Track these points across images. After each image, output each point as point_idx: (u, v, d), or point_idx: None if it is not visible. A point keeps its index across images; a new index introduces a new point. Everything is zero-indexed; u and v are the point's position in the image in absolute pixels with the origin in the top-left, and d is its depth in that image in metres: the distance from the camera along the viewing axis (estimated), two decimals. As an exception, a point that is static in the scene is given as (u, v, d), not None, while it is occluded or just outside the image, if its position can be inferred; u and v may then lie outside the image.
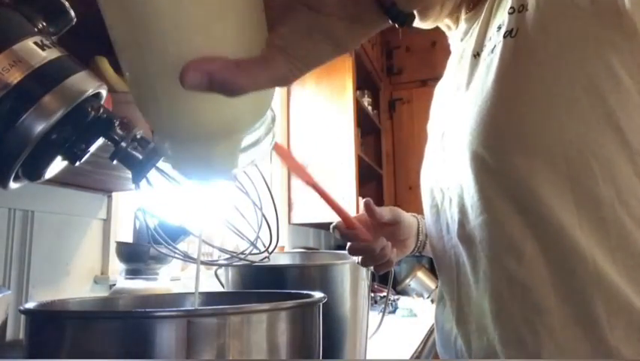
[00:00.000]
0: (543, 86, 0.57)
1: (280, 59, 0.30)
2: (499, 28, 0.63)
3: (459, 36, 0.74)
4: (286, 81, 0.32)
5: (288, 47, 0.31)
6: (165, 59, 0.30)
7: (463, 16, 0.74)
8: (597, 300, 0.54)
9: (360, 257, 0.78)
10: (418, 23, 0.75)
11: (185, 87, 0.29)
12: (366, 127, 3.13)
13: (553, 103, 0.57)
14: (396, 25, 0.31)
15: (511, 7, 0.61)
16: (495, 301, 0.60)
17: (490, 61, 0.62)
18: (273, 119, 0.39)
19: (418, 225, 0.86)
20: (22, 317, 0.49)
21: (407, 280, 2.72)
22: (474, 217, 0.62)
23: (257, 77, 0.30)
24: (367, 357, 1.00)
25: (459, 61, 0.72)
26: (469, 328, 0.65)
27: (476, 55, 0.66)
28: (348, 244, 0.77)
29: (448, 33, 0.79)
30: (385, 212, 0.81)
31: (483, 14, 0.68)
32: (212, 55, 0.29)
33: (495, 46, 0.62)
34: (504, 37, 0.61)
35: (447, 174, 0.69)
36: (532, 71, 0.58)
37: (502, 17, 0.63)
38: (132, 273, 0.97)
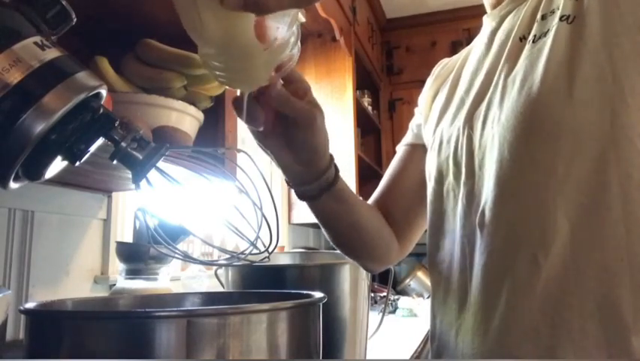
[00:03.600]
0: (596, 74, 0.56)
1: None
2: (553, 12, 0.61)
3: (499, 14, 0.72)
4: (309, 1, 0.42)
5: None
6: None
7: None
8: (626, 299, 0.53)
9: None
10: None
11: (224, 7, 0.39)
12: (366, 127, 3.13)
13: (606, 91, 0.56)
14: None
15: None
16: (512, 291, 0.59)
17: (543, 44, 0.60)
18: (299, 37, 0.51)
19: (332, 158, 0.68)
20: (22, 316, 0.49)
21: (407, 280, 2.72)
22: (501, 204, 0.61)
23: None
24: (367, 357, 1.00)
25: (498, 42, 0.69)
26: (476, 319, 0.63)
27: (522, 38, 0.64)
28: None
29: (487, 9, 0.77)
30: (306, 88, 0.60)
31: None
32: None
33: (549, 30, 0.61)
34: (560, 20, 0.60)
35: (473, 156, 0.66)
36: (585, 58, 0.57)
37: (557, 2, 0.62)
38: (132, 273, 0.97)
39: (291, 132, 0.61)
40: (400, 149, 0.89)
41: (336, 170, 0.68)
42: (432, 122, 0.78)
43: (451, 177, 0.70)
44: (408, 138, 0.88)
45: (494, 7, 0.74)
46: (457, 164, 0.69)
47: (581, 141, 0.56)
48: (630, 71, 0.55)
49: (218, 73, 0.51)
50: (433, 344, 0.73)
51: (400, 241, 0.84)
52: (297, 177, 0.67)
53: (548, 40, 0.60)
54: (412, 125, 0.88)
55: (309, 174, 0.66)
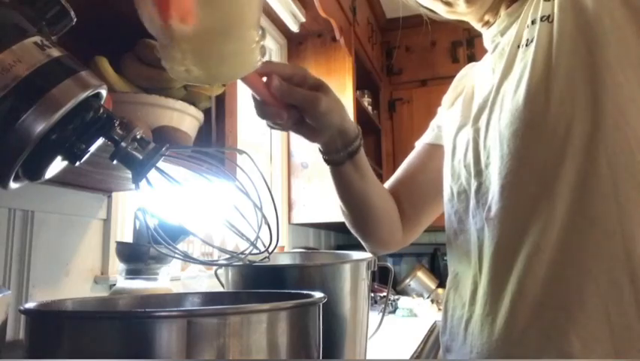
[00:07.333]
0: (577, 62, 0.60)
1: None
2: (540, 17, 0.65)
3: (498, 30, 0.75)
4: None
5: None
6: None
7: (503, 11, 0.75)
8: (623, 274, 0.54)
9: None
10: (463, 9, 0.75)
11: None
12: (366, 127, 3.13)
13: (587, 79, 0.59)
14: None
15: None
16: (518, 279, 0.61)
17: (532, 46, 0.64)
18: (264, 35, 0.55)
19: (359, 129, 0.74)
20: (22, 316, 0.49)
21: (407, 280, 2.72)
22: (505, 198, 0.63)
23: None
24: (367, 357, 1.00)
25: (500, 54, 0.72)
26: (484, 309, 0.65)
27: (519, 46, 0.68)
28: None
29: (483, 29, 0.80)
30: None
31: (526, 7, 0.69)
32: None
33: (536, 33, 0.64)
34: (541, 20, 0.64)
35: (479, 157, 0.70)
36: (564, 50, 0.61)
37: (541, 5, 0.65)
38: (132, 273, 0.97)
39: (306, 118, 0.66)
40: (419, 145, 0.92)
41: (361, 140, 0.74)
42: (449, 130, 0.81)
43: (462, 180, 0.73)
44: (428, 137, 0.90)
45: (485, 23, 0.78)
46: (466, 166, 0.73)
47: (569, 129, 0.59)
48: (610, 54, 0.58)
49: (198, 76, 0.53)
50: (444, 338, 0.76)
51: (404, 230, 0.88)
52: (329, 147, 0.73)
53: (534, 41, 0.64)
54: (434, 124, 0.91)
55: (340, 144, 0.72)
